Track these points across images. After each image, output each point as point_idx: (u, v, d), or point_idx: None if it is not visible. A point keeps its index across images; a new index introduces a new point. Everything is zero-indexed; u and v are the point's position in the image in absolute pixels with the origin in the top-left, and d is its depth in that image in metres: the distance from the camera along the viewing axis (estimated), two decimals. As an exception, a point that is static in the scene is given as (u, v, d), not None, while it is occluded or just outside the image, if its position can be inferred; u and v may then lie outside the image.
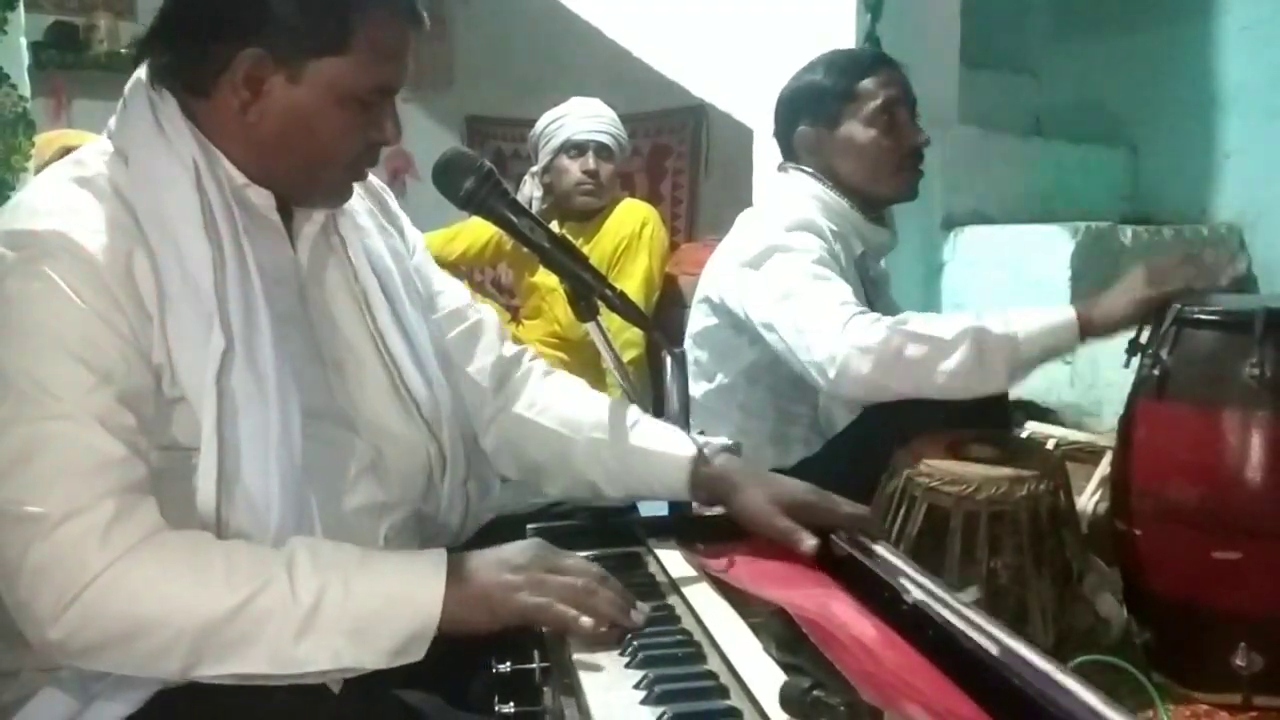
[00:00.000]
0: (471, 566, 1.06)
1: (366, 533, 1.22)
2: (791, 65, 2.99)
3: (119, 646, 0.99)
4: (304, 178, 1.18)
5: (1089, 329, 1.75)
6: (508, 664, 1.01)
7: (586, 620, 1.02)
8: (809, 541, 1.20)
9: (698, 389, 2.12)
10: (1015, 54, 4.10)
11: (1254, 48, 3.74)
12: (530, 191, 3.22)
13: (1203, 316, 1.65)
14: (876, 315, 1.81)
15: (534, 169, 3.25)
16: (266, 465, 1.08)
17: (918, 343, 1.75)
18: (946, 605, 1.00)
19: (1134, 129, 3.98)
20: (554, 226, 3.11)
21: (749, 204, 3.28)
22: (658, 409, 1.48)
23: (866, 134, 2.05)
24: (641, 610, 1.07)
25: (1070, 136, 3.91)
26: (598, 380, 3.13)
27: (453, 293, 1.45)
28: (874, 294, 2.08)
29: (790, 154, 2.14)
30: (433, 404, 1.29)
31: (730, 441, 1.40)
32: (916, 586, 1.06)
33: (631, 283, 3.08)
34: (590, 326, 1.38)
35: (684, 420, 1.44)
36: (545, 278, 3.19)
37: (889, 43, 2.94)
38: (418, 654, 1.02)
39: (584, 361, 3.17)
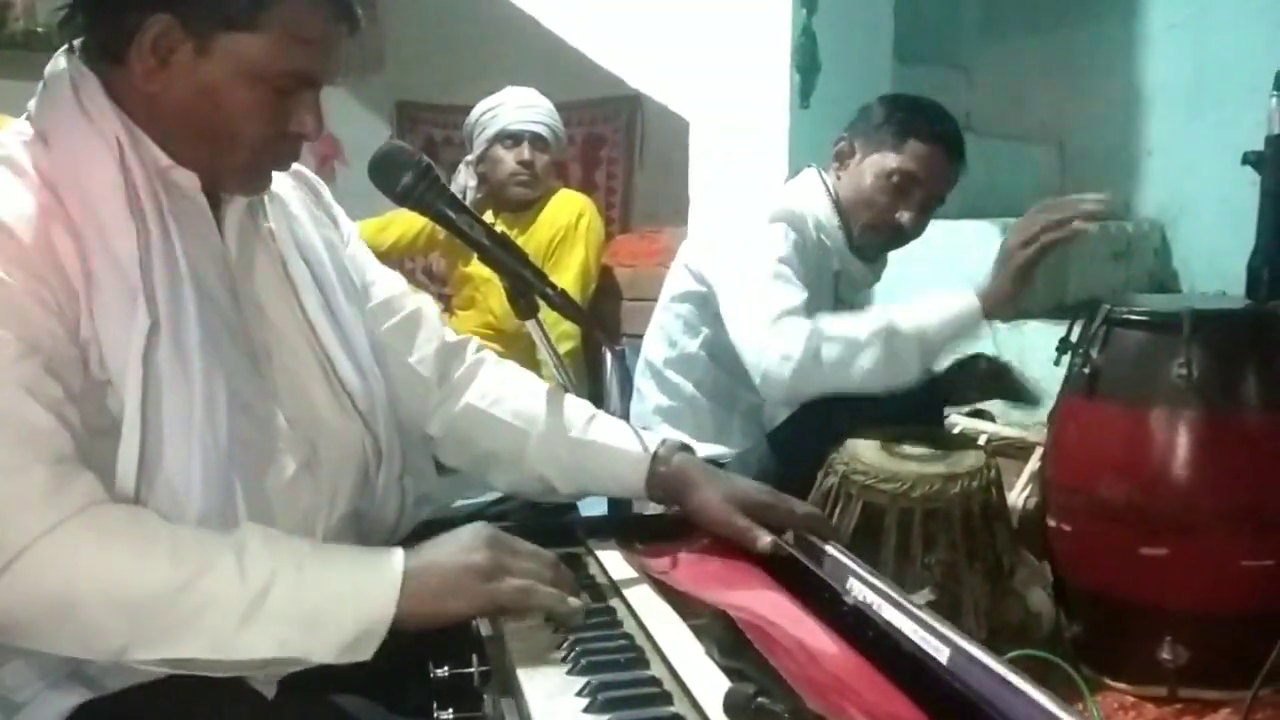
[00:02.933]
0: (429, 558, 1.04)
1: (300, 532, 1.19)
2: (728, 59, 3.01)
3: (51, 622, 0.95)
4: (208, 156, 1.14)
5: (991, 310, 1.83)
6: (445, 669, 1.00)
7: (575, 600, 1.03)
8: (765, 540, 1.20)
9: (661, 354, 2.15)
10: (946, 50, 4.15)
11: (1178, 47, 3.83)
12: (464, 181, 3.19)
13: (1132, 317, 1.70)
14: (798, 321, 1.85)
15: (468, 158, 3.21)
16: (189, 449, 1.05)
17: (833, 344, 1.82)
18: (898, 607, 1.00)
19: (1061, 126, 4.05)
20: (488, 217, 3.09)
21: (684, 196, 3.29)
22: (595, 403, 1.47)
23: (876, 181, 2.05)
24: (583, 599, 1.07)
25: (1000, 133, 3.97)
26: (532, 372, 3.11)
27: (388, 282, 1.42)
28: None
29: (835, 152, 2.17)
30: (367, 396, 1.27)
31: (681, 438, 1.40)
32: (865, 587, 1.06)
33: (567, 274, 3.06)
34: (530, 324, 1.36)
35: (624, 416, 1.43)
36: (479, 268, 3.15)
37: (824, 38, 2.96)
38: (366, 653, 1.00)
39: (518, 353, 3.12)
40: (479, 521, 1.10)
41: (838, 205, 2.08)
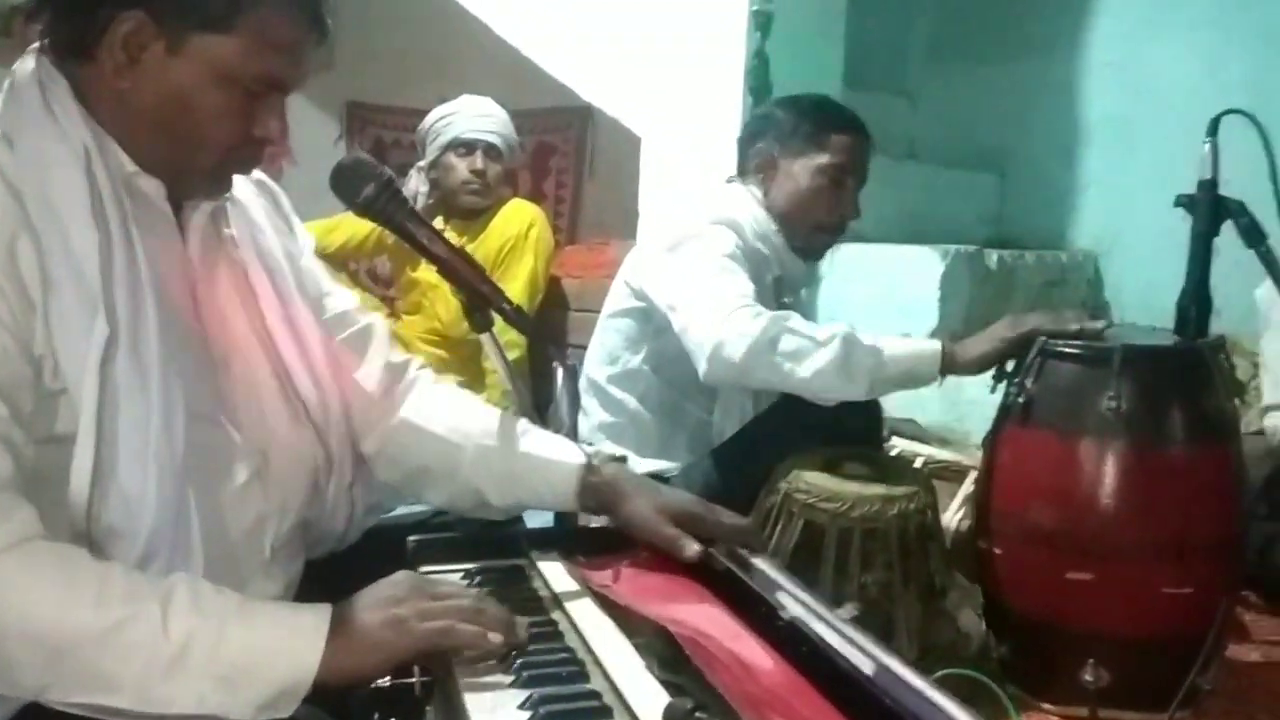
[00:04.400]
0: (352, 615, 1.02)
1: (251, 541, 1.19)
2: (681, 78, 3.05)
3: None
4: (174, 157, 1.14)
5: (949, 365, 1.85)
6: (387, 679, 1.01)
7: (494, 636, 1.01)
8: (692, 548, 1.21)
9: (603, 371, 2.16)
10: (893, 78, 4.23)
11: (1115, 83, 3.95)
12: (416, 187, 3.19)
13: (1065, 350, 1.75)
14: (761, 309, 1.86)
15: (420, 164, 3.21)
16: (144, 460, 1.05)
17: (792, 336, 1.83)
18: (823, 621, 1.02)
19: (1002, 156, 4.15)
20: (438, 223, 3.09)
21: (634, 209, 3.32)
22: (540, 414, 1.48)
23: (813, 181, 2.11)
24: (523, 624, 1.06)
25: (942, 160, 4.05)
26: (477, 378, 3.12)
27: (341, 296, 1.43)
28: None
29: (743, 168, 2.21)
30: (321, 407, 1.27)
31: (620, 453, 1.41)
32: (794, 601, 1.08)
33: (516, 283, 3.08)
34: (484, 338, 1.37)
35: (572, 429, 1.45)
36: (427, 273, 3.15)
37: (776, 61, 3.01)
38: (287, 710, 0.99)
39: (464, 359, 3.15)
40: (401, 571, 1.09)
41: (771, 212, 2.12)
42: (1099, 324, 1.81)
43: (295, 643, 0.99)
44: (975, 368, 1.85)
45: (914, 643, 1.71)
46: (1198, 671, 1.64)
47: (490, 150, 3.12)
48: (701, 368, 1.88)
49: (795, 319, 1.87)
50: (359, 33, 4.80)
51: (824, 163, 2.10)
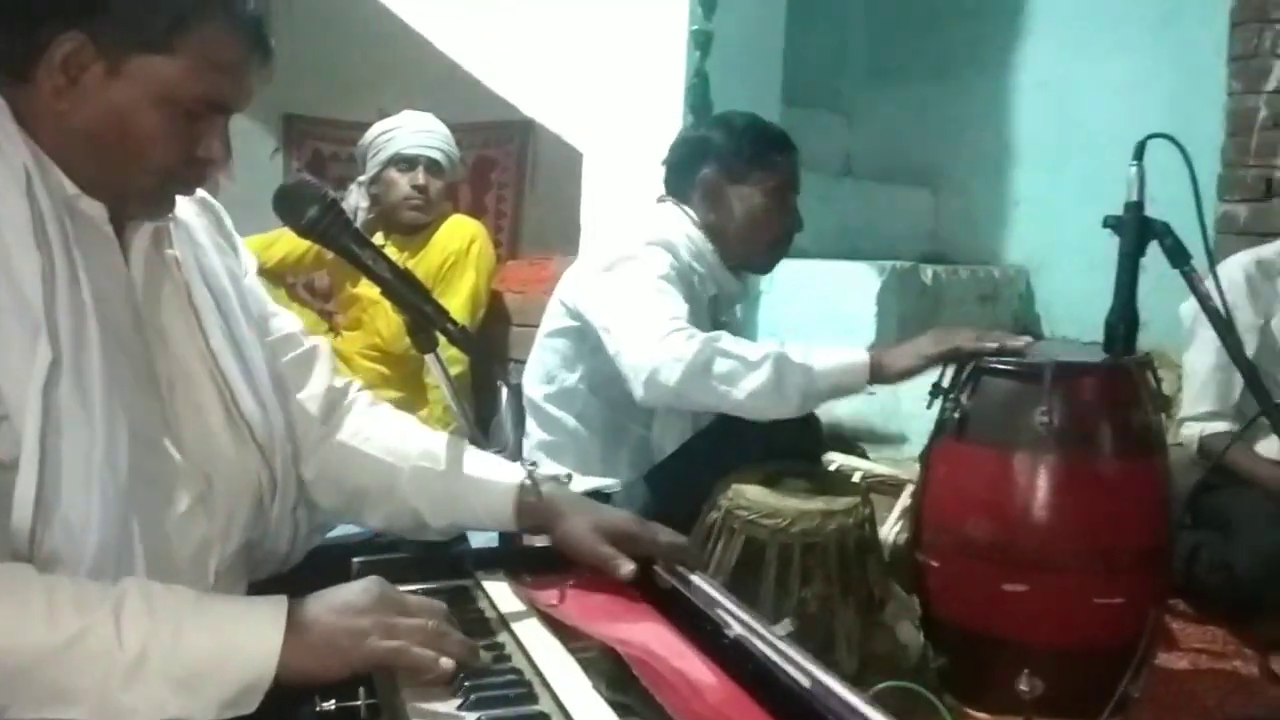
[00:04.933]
0: (314, 614, 1.02)
1: (195, 566, 1.18)
2: (623, 95, 3.07)
3: None
4: (115, 179, 1.13)
5: (877, 374, 1.90)
6: (332, 702, 1.00)
7: (447, 662, 1.01)
8: (627, 567, 1.22)
9: (540, 390, 2.17)
10: (830, 96, 4.30)
11: (1044, 104, 4.05)
12: (356, 201, 3.16)
13: (999, 366, 1.79)
14: (694, 331, 1.89)
15: (361, 179, 3.19)
16: (88, 486, 1.03)
17: (725, 358, 1.86)
18: (760, 638, 1.04)
19: (936, 173, 4.24)
20: (378, 238, 3.07)
21: (576, 225, 3.34)
22: (483, 429, 1.49)
23: (763, 202, 2.16)
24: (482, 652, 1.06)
25: (878, 177, 4.13)
26: (418, 395, 3.10)
27: (285, 318, 1.42)
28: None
29: (677, 189, 2.22)
30: (266, 427, 1.27)
31: (565, 473, 1.42)
32: (732, 618, 1.09)
33: (457, 299, 3.07)
34: (429, 358, 1.37)
35: (517, 448, 1.45)
36: (367, 289, 3.13)
37: (716, 80, 3.04)
38: (250, 706, 0.98)
39: (404, 375, 3.14)
40: (371, 577, 1.09)
41: (710, 232, 2.15)
42: (1021, 341, 1.86)
43: (253, 639, 0.99)
44: (901, 378, 1.91)
45: (854, 655, 1.74)
46: (1129, 680, 1.69)
47: (432, 166, 3.11)
48: (637, 392, 1.91)
49: (727, 340, 1.90)
50: (296, 45, 4.73)
51: (771, 185, 2.16)
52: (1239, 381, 2.23)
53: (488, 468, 1.35)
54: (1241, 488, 2.30)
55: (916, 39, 4.23)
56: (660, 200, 2.25)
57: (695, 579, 1.21)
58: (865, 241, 3.73)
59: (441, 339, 1.36)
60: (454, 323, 1.35)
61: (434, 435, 1.39)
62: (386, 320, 3.17)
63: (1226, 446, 2.04)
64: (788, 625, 1.06)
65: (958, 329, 1.96)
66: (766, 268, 2.30)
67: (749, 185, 2.15)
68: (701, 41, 3.03)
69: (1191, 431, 2.45)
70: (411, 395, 3.03)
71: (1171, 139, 1.75)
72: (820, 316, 3.28)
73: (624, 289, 1.99)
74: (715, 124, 2.27)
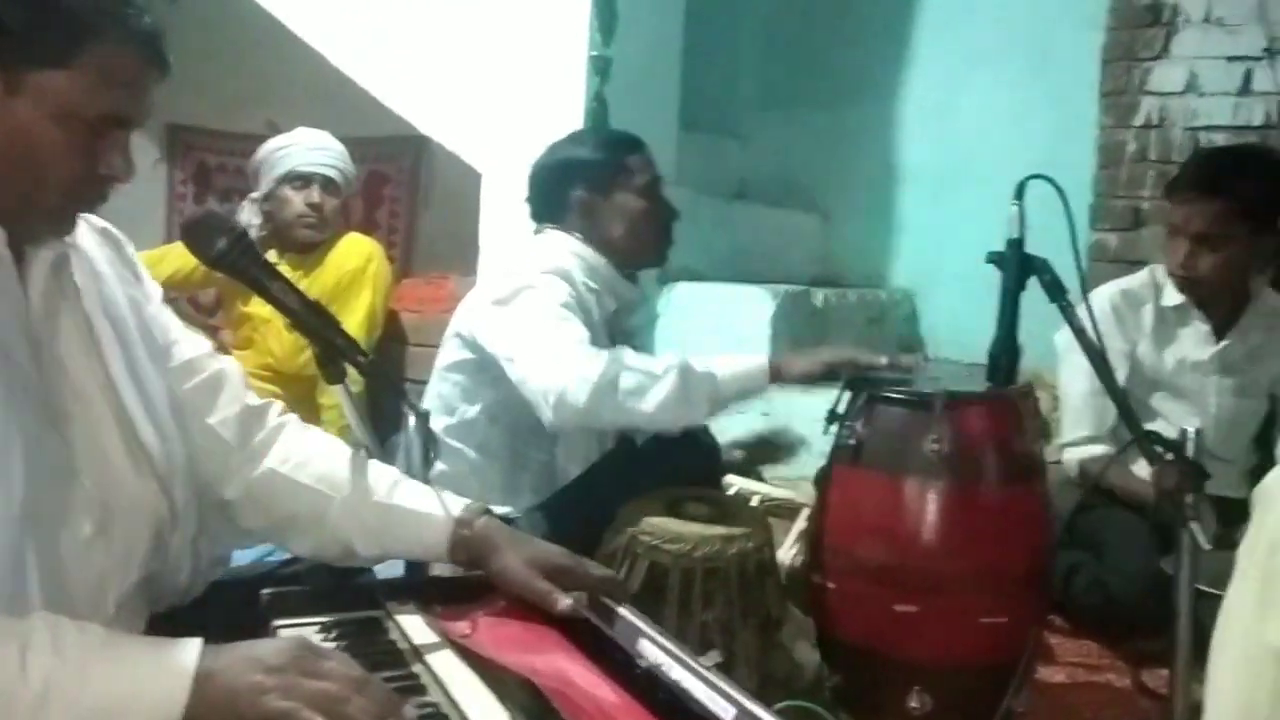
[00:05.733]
0: (223, 664, 1.00)
1: (93, 597, 1.16)
2: (522, 117, 3.09)
3: None
4: (16, 198, 1.12)
5: (777, 375, 2.00)
6: None
7: None
8: (564, 602, 1.24)
9: (439, 423, 2.15)
10: (725, 121, 4.38)
11: (928, 133, 4.19)
12: (248, 218, 3.11)
13: (892, 395, 1.86)
14: (598, 351, 1.93)
15: (254, 195, 3.15)
16: None
17: (631, 373, 1.90)
18: (687, 668, 1.06)
19: (826, 198, 4.35)
20: (271, 256, 3.03)
21: (475, 245, 3.34)
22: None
23: (638, 203, 2.21)
24: (410, 715, 1.02)
25: (771, 201, 4.22)
26: (312, 415, 3.05)
27: (191, 343, 1.40)
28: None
29: (552, 216, 2.24)
30: (166, 458, 1.25)
31: (481, 503, 1.43)
32: (658, 649, 1.12)
33: (353, 319, 3.05)
34: (338, 389, 1.37)
35: (424, 475, 1.46)
36: (259, 307, 3.08)
37: (615, 104, 3.08)
38: None
39: (298, 396, 3.09)
40: (296, 635, 1.08)
41: (601, 247, 2.19)
42: (909, 360, 1.95)
43: (160, 685, 0.97)
44: (799, 381, 2.01)
45: (753, 674, 1.78)
46: (1012, 695, 1.77)
47: (327, 184, 3.08)
48: (547, 416, 1.92)
49: (630, 355, 1.94)
50: (182, 54, 4.61)
51: (639, 184, 2.22)
52: (1113, 406, 2.36)
53: (422, 500, 1.36)
54: (1116, 509, 2.40)
55: (807, 67, 4.34)
56: (538, 231, 2.27)
57: (622, 611, 1.23)
58: (758, 264, 3.81)
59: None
60: (364, 354, 1.36)
61: (367, 463, 1.39)
62: (279, 339, 3.13)
63: (1102, 469, 2.15)
64: (715, 656, 1.09)
65: (852, 350, 2.06)
66: (661, 260, 2.35)
67: (619, 192, 2.21)
68: (600, 67, 3.07)
69: (1072, 456, 2.56)
70: (305, 415, 2.96)
71: (1050, 180, 1.84)
72: (716, 339, 3.34)
73: (525, 319, 2.01)
74: (564, 148, 2.29)
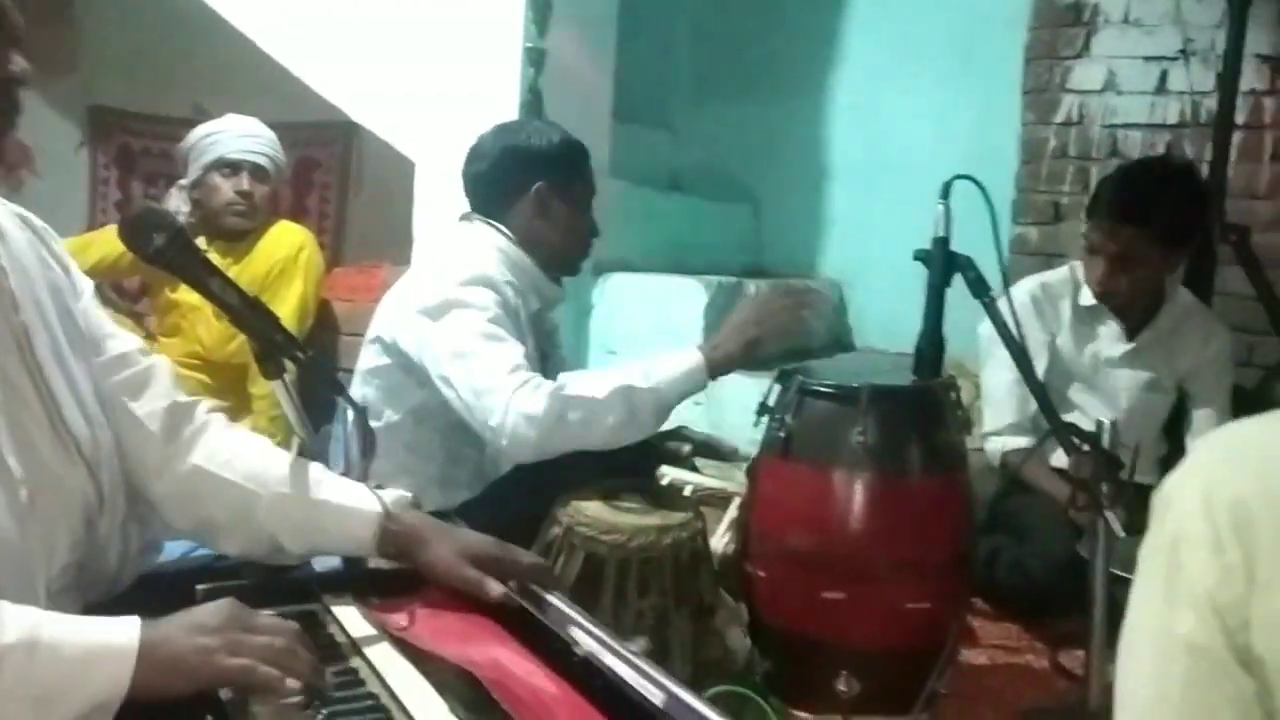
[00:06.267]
0: (164, 633, 1.04)
1: (21, 582, 1.16)
2: (457, 109, 3.08)
3: None
4: None
5: (714, 367, 2.03)
6: None
7: (293, 681, 1.03)
8: (495, 589, 1.26)
9: None
10: (659, 112, 4.40)
11: (856, 127, 4.26)
12: (176, 205, 3.07)
13: (820, 389, 1.91)
14: (539, 381, 1.94)
15: (182, 182, 3.10)
16: None
17: (576, 408, 1.92)
18: (616, 655, 1.09)
19: (757, 190, 4.40)
20: (201, 243, 2.99)
21: (407, 235, 3.32)
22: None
23: (580, 215, 2.24)
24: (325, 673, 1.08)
25: (703, 193, 4.25)
26: (242, 404, 3.03)
27: (122, 338, 1.40)
28: (549, 346, 2.24)
29: (496, 204, 2.20)
30: (92, 442, 1.25)
31: (408, 494, 1.45)
32: (587, 636, 1.15)
33: (285, 308, 3.02)
34: (275, 385, 1.38)
35: (363, 471, 1.47)
36: (186, 294, 3.04)
37: (549, 96, 3.09)
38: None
39: (227, 384, 3.07)
40: (225, 599, 1.10)
41: (529, 244, 2.18)
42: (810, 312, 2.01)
43: (106, 660, 1.00)
44: (734, 368, 2.06)
45: (687, 661, 1.81)
46: (936, 677, 1.83)
47: (257, 171, 3.05)
48: (502, 452, 1.97)
49: (572, 385, 1.95)
50: (104, 34, 4.54)
51: (585, 196, 2.25)
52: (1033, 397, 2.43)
53: (348, 495, 1.37)
54: (1035, 496, 2.49)
55: (740, 60, 4.38)
56: (465, 218, 2.24)
57: (552, 599, 1.26)
58: (690, 255, 3.84)
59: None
60: (304, 350, 1.36)
61: (291, 459, 1.39)
62: (208, 327, 3.09)
63: (1022, 462, 2.22)
64: (644, 643, 1.12)
65: (767, 298, 2.14)
66: (576, 272, 2.35)
67: (573, 195, 2.22)
68: (535, 58, 3.07)
69: (994, 447, 2.64)
70: (235, 404, 2.96)
71: (974, 180, 1.90)
72: (650, 330, 3.37)
73: (459, 343, 1.98)
74: (531, 136, 2.24)
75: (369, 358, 2.18)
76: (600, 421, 1.93)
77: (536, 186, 2.18)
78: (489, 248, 2.15)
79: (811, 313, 2.06)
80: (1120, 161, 3.69)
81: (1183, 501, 0.72)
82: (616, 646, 1.11)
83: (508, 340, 1.99)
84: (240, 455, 1.39)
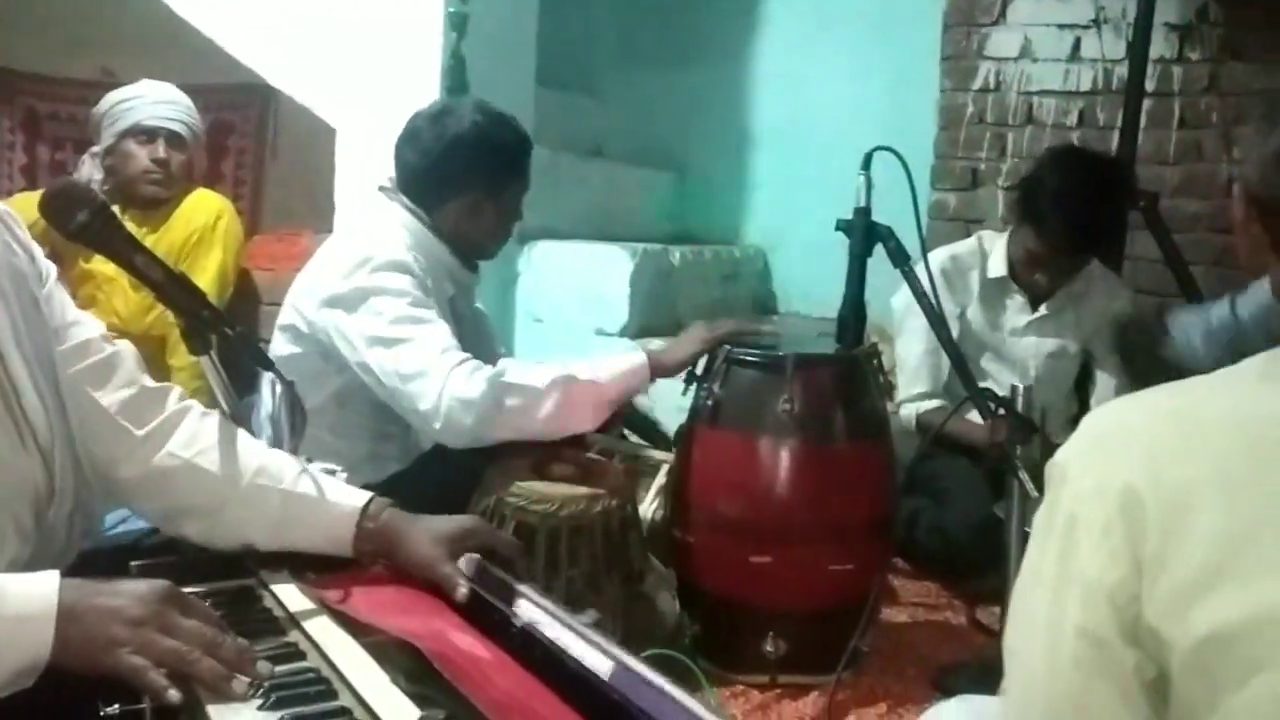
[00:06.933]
0: (86, 609, 1.02)
1: None
2: (378, 75, 3.05)
3: None
4: None
5: (657, 372, 2.03)
6: (116, 706, 0.99)
7: (173, 693, 0.99)
8: (462, 590, 1.26)
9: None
10: (583, 78, 4.38)
11: (779, 93, 4.29)
12: (89, 173, 2.99)
13: (747, 358, 1.95)
14: (476, 365, 1.90)
15: (95, 149, 3.02)
16: None
17: (515, 395, 1.89)
18: (565, 626, 1.11)
19: (682, 156, 4.40)
20: (115, 212, 2.92)
21: (329, 202, 3.28)
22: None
23: (511, 209, 2.18)
24: (264, 670, 1.05)
25: (627, 159, 4.25)
26: (162, 377, 2.94)
27: (85, 325, 1.38)
28: (469, 333, 2.14)
29: (429, 191, 2.11)
30: (49, 434, 1.24)
31: (336, 468, 1.44)
32: (538, 608, 1.16)
33: (204, 277, 2.96)
34: (203, 361, 1.37)
35: (293, 445, 1.47)
36: (102, 265, 2.97)
37: (472, 62, 3.06)
38: (28, 683, 0.99)
39: (146, 356, 2.92)
40: (162, 583, 1.08)
41: (445, 234, 2.11)
42: (769, 327, 2.03)
43: (25, 629, 0.99)
44: (676, 373, 2.04)
45: (618, 626, 1.85)
46: (858, 636, 1.89)
47: (173, 139, 2.98)
48: (429, 433, 1.92)
49: (511, 372, 1.91)
50: (9, -5, 4.38)
51: (518, 193, 2.19)
52: (947, 364, 2.50)
53: (328, 489, 1.36)
54: (953, 458, 2.56)
55: (662, 25, 4.37)
56: (385, 191, 2.16)
57: (497, 571, 1.26)
58: (615, 222, 3.85)
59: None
60: (231, 326, 1.35)
61: (269, 452, 1.39)
62: (124, 298, 3.02)
63: (944, 421, 2.28)
64: (593, 614, 1.14)
65: (723, 321, 2.11)
66: (494, 256, 2.28)
67: (507, 194, 2.16)
68: (458, 23, 3.04)
69: (909, 411, 2.71)
70: (155, 376, 2.88)
71: (894, 152, 1.94)
72: (576, 297, 3.38)
73: (381, 330, 1.93)
74: (481, 136, 2.10)
75: (281, 345, 2.11)
76: (538, 410, 1.90)
77: (470, 195, 2.11)
78: (398, 228, 2.08)
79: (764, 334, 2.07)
80: (1034, 130, 3.79)
81: (1078, 481, 0.77)
82: (566, 618, 1.12)
83: (434, 321, 1.95)
84: (216, 445, 1.37)
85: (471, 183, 2.11)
